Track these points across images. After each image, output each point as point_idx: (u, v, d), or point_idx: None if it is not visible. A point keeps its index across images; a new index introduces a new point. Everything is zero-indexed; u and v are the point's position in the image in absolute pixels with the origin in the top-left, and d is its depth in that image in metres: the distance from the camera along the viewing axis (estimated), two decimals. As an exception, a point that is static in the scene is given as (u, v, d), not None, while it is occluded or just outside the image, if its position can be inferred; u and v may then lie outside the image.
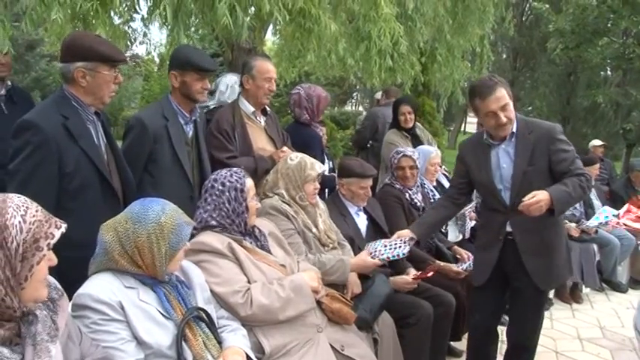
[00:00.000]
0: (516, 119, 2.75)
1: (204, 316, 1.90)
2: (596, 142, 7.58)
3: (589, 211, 5.43)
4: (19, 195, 1.35)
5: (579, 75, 13.62)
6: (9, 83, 3.29)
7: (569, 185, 2.58)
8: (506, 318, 3.32)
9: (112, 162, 2.41)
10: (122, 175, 2.45)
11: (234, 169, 2.44)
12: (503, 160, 2.78)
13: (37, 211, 1.33)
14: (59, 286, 1.54)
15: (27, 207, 1.31)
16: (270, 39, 9.24)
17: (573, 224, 5.08)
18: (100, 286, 1.73)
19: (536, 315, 2.95)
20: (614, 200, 6.24)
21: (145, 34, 5.07)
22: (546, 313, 4.69)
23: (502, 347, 3.81)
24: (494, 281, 2.90)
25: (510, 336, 3.03)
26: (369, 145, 6.01)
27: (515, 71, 16.62)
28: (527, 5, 14.07)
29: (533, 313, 2.93)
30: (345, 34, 4.83)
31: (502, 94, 2.62)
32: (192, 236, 2.20)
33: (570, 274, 3.28)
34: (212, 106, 3.69)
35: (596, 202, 5.65)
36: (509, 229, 2.83)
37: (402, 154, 3.75)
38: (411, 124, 4.88)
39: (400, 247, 2.86)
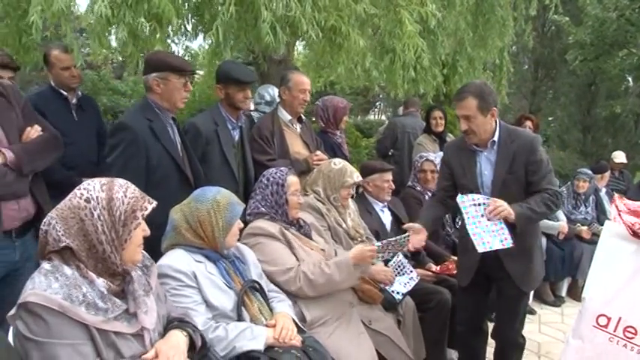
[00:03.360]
0: (500, 128, 2.82)
1: (258, 287, 2.29)
2: (618, 157, 7.44)
3: (601, 217, 5.71)
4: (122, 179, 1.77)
5: (599, 85, 13.79)
6: (79, 93, 3.70)
7: (532, 203, 2.71)
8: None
9: (185, 157, 2.83)
10: (193, 167, 2.88)
11: (281, 168, 2.84)
12: (484, 167, 2.87)
13: (134, 190, 1.74)
14: (149, 256, 1.94)
15: (128, 186, 1.74)
16: (297, 50, 9.64)
17: (585, 227, 5.38)
18: (177, 259, 2.14)
19: (520, 312, 3.08)
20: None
21: (186, 48, 5.49)
22: (557, 310, 5.04)
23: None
24: (478, 282, 3.01)
25: (498, 334, 3.16)
26: (390, 154, 6.37)
27: (537, 81, 16.72)
28: (548, 16, 14.27)
29: (517, 310, 3.06)
30: (370, 47, 5.20)
31: (468, 106, 2.71)
32: (247, 223, 2.61)
33: (541, 280, 3.24)
34: None
35: (609, 209, 5.92)
36: None
37: (424, 158, 4.13)
38: (441, 128, 5.38)
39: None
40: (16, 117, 2.45)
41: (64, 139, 3.49)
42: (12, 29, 4.29)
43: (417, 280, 3.15)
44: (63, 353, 1.52)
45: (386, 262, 3.17)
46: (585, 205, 5.63)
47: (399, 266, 3.16)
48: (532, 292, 5.08)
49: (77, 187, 1.69)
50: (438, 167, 4.14)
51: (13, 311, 1.58)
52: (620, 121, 13.36)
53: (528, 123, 5.46)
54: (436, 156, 4.33)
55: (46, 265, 1.63)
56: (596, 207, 5.75)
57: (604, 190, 6.15)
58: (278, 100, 3.88)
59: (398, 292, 3.02)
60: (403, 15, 4.59)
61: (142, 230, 1.74)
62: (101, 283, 1.65)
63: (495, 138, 2.83)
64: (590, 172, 5.78)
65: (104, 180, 1.71)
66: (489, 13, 7.66)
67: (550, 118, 16.58)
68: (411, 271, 3.17)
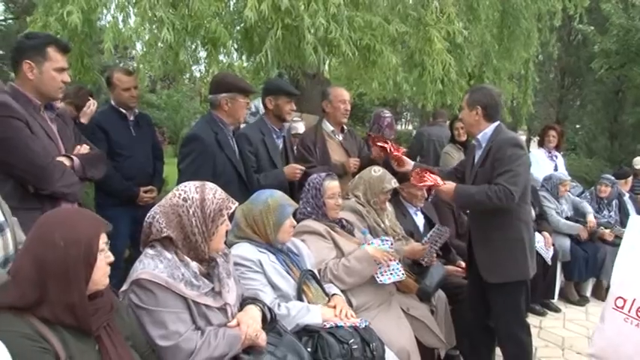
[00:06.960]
0: (493, 130, 3.09)
1: (313, 274, 2.67)
2: (638, 163, 7.64)
3: (625, 220, 5.95)
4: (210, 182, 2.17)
5: (626, 93, 13.86)
6: (136, 110, 4.06)
7: (475, 189, 2.99)
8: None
9: (241, 165, 3.24)
10: (248, 173, 3.29)
11: (320, 173, 3.22)
12: (475, 161, 3.19)
13: (221, 192, 2.14)
14: (225, 245, 2.34)
15: (216, 189, 2.13)
16: (328, 64, 10.02)
17: (608, 230, 5.64)
18: (244, 250, 2.52)
19: (504, 302, 3.12)
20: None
21: (229, 65, 5.91)
22: (582, 309, 5.30)
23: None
24: (475, 275, 3.23)
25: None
26: (417, 161, 6.71)
27: (563, 90, 16.82)
28: (574, 26, 14.41)
29: (496, 300, 3.15)
30: (400, 61, 5.55)
31: (465, 99, 3.19)
32: (299, 221, 2.99)
33: (522, 277, 3.15)
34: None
35: (632, 212, 6.17)
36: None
37: None
38: (464, 138, 5.66)
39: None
40: (71, 135, 2.83)
41: (123, 153, 3.92)
42: (75, 52, 4.76)
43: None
44: (168, 319, 1.92)
45: None
46: (608, 210, 5.88)
47: (433, 236, 3.49)
48: (557, 292, 5.39)
49: (175, 189, 2.10)
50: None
51: (125, 286, 1.99)
52: (647, 128, 13.40)
53: (552, 132, 5.75)
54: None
55: (150, 251, 2.04)
56: (619, 211, 5.99)
57: (627, 194, 6.38)
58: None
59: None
60: (432, 34, 4.94)
61: (226, 225, 2.13)
62: (194, 265, 2.05)
63: (479, 136, 3.15)
64: (612, 177, 6.04)
65: (197, 183, 2.11)
66: (514, 26, 7.91)
67: (577, 126, 16.66)
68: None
